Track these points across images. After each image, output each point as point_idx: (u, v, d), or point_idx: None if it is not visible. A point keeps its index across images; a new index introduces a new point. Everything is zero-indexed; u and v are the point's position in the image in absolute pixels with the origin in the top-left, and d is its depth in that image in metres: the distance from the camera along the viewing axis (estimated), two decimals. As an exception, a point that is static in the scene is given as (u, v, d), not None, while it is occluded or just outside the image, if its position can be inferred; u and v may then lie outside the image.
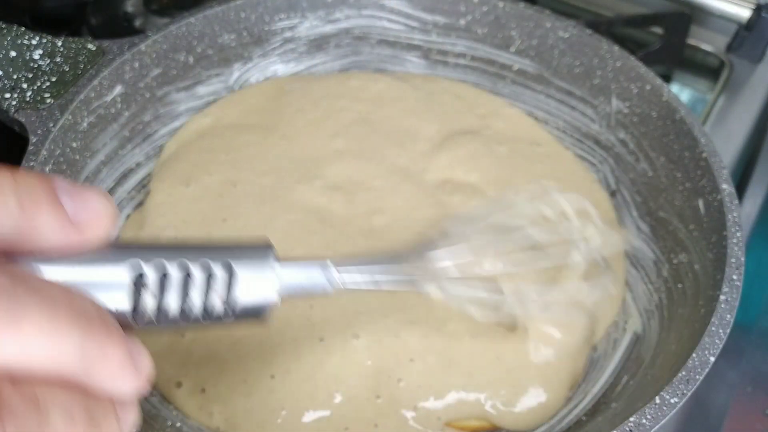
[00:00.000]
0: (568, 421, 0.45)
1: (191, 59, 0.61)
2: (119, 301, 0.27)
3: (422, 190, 0.57)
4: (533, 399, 0.46)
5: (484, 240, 0.42)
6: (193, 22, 0.60)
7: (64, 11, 0.76)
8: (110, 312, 0.26)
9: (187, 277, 0.28)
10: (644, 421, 0.37)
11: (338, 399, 0.45)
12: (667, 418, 0.37)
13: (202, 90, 0.63)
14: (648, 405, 0.37)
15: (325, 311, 0.48)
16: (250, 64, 0.65)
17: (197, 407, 0.44)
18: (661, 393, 0.38)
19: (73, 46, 0.55)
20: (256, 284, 0.30)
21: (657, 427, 0.37)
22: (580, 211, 0.47)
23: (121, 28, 0.75)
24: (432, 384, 0.46)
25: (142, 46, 0.57)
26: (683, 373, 0.39)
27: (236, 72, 0.65)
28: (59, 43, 0.55)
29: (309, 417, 0.44)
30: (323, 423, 0.44)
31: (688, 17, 0.77)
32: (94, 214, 0.26)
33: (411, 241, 0.53)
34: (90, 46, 0.56)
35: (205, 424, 0.44)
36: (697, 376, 0.39)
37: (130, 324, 0.27)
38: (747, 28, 0.76)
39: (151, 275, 0.28)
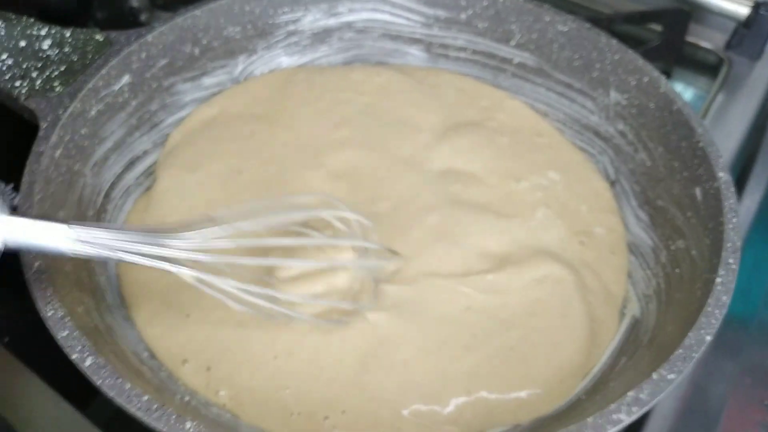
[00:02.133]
0: (568, 400, 0.46)
1: (197, 51, 0.62)
2: None
3: (424, 179, 0.58)
4: (532, 398, 0.46)
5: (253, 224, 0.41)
6: (199, 14, 0.61)
7: (71, 6, 0.77)
8: None
9: None
10: (642, 396, 0.37)
11: (339, 381, 0.45)
12: (664, 393, 0.37)
13: (207, 81, 0.64)
14: (645, 381, 0.38)
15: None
16: (254, 56, 0.66)
17: (204, 384, 0.45)
18: (659, 369, 0.38)
19: (81, 36, 0.56)
20: None
21: (654, 402, 0.37)
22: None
23: (127, 22, 0.77)
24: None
25: (149, 37, 0.58)
26: (680, 350, 0.39)
27: (241, 64, 0.66)
28: (68, 34, 0.56)
29: (311, 397, 0.45)
30: (324, 404, 0.45)
31: (687, 14, 0.78)
32: None
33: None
34: (98, 36, 0.57)
35: (212, 400, 0.45)
36: (694, 354, 0.39)
37: None
38: (746, 25, 0.77)
39: None
